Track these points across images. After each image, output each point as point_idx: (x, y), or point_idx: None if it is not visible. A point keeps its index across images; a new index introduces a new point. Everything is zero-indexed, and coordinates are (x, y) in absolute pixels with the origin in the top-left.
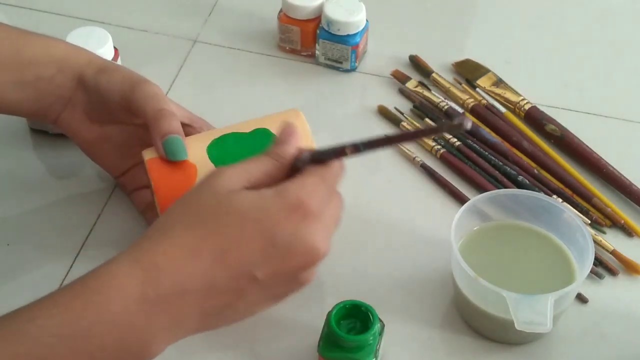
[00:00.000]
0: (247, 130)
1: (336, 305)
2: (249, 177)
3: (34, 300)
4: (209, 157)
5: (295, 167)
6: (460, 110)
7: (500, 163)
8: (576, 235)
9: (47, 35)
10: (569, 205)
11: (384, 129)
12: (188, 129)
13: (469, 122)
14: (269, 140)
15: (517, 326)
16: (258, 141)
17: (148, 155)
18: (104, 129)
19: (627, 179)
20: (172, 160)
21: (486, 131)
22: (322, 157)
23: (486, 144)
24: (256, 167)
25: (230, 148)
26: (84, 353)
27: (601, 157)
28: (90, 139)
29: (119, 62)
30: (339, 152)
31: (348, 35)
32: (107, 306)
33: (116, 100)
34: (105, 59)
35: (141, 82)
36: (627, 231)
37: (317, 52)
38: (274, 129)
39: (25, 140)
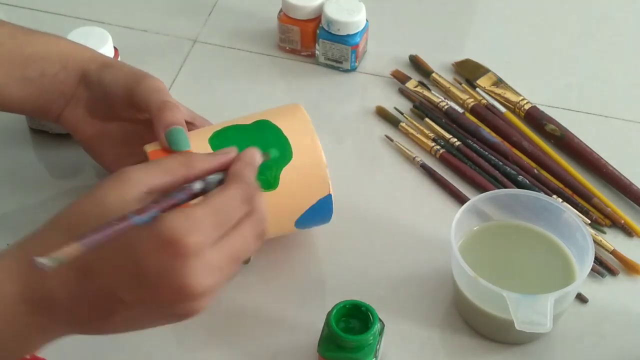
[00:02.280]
0: (249, 122)
1: (336, 305)
2: (145, 181)
3: None
4: (212, 148)
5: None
6: (460, 110)
7: (500, 163)
8: (576, 235)
9: (50, 33)
10: (569, 205)
11: (383, 129)
12: (190, 126)
13: None
14: (270, 130)
15: (517, 326)
16: (259, 132)
17: (150, 148)
18: (105, 125)
19: (627, 179)
20: (175, 150)
21: (486, 131)
22: (218, 184)
23: (486, 144)
24: (156, 165)
25: (231, 139)
26: None
27: (601, 157)
28: (91, 136)
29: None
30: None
31: (348, 35)
32: None
33: (119, 94)
34: (108, 56)
35: (145, 77)
36: (627, 231)
37: (317, 52)
38: (275, 122)
39: (25, 140)
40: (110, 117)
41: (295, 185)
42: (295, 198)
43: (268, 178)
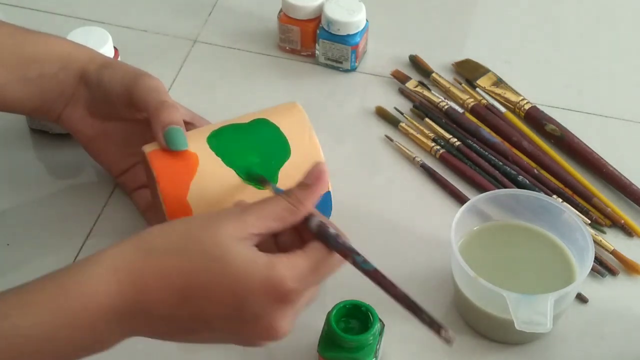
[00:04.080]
0: (246, 121)
1: (336, 305)
2: (258, 224)
3: (9, 290)
4: (210, 147)
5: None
6: (460, 110)
7: (500, 163)
8: (576, 235)
9: (49, 33)
10: (569, 205)
11: (383, 129)
12: (189, 126)
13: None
14: (268, 129)
15: (517, 326)
16: (257, 131)
17: (148, 149)
18: (105, 125)
19: (627, 179)
20: (173, 149)
21: (486, 131)
22: (326, 240)
23: (486, 144)
24: (269, 213)
25: (230, 138)
26: (47, 353)
27: (601, 157)
28: (91, 136)
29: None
30: (342, 252)
31: (348, 35)
32: (77, 314)
33: (118, 94)
34: (107, 56)
35: (143, 76)
36: (627, 231)
37: (317, 52)
38: (272, 120)
39: (25, 140)
40: (110, 116)
41: (294, 183)
42: None
43: (267, 176)
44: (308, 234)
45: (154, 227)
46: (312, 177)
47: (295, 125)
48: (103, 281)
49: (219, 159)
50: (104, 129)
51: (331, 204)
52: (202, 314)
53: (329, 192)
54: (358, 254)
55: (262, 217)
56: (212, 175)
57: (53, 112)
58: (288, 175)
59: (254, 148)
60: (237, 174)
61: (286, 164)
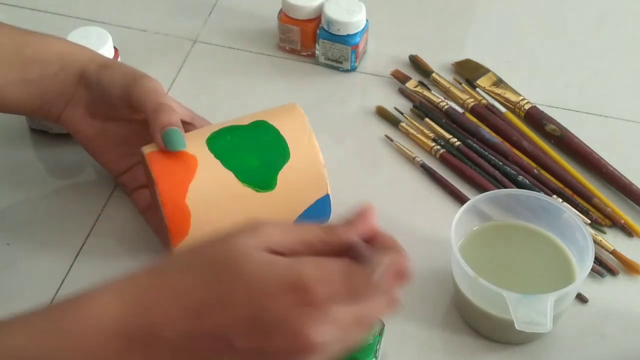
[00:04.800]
0: (246, 123)
1: None
2: (283, 241)
3: (18, 314)
4: (209, 149)
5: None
6: (460, 110)
7: (500, 163)
8: (576, 235)
9: (48, 34)
10: (569, 205)
11: (383, 129)
12: (189, 127)
13: None
14: (267, 131)
15: (517, 326)
16: (256, 133)
17: (147, 150)
18: (105, 125)
19: (627, 179)
20: (171, 150)
21: (486, 131)
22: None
23: (486, 144)
24: (297, 233)
25: (229, 140)
26: None
27: (601, 157)
28: (91, 136)
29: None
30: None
31: (348, 35)
32: (82, 338)
33: (117, 95)
34: (107, 56)
35: (142, 77)
36: (627, 231)
37: (317, 52)
38: (272, 122)
39: (25, 140)
40: (109, 117)
41: (293, 186)
42: (293, 198)
43: (266, 179)
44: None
45: (169, 255)
46: (356, 217)
47: (295, 128)
48: (108, 305)
49: (218, 161)
50: (104, 129)
51: (330, 207)
52: (220, 328)
53: (327, 195)
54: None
55: (283, 231)
56: (211, 178)
57: (53, 112)
58: (287, 178)
59: (253, 150)
60: (236, 176)
61: (285, 166)
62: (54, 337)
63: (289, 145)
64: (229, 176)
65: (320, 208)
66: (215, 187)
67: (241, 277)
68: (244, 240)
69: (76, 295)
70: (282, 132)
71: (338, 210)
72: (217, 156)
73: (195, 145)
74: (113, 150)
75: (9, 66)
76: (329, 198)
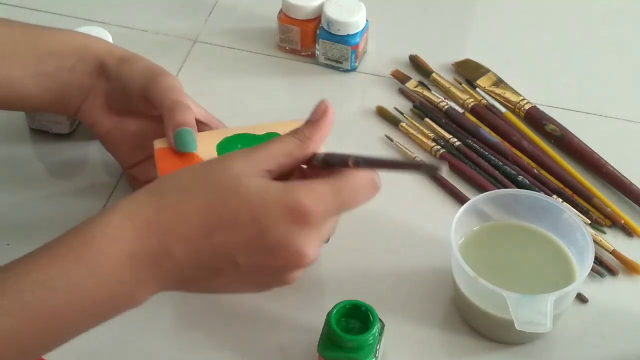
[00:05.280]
0: (260, 133)
1: (336, 305)
2: (268, 161)
3: (41, 246)
4: (218, 154)
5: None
6: (460, 110)
7: (500, 163)
8: (576, 235)
9: (62, 28)
10: (569, 205)
11: (383, 129)
12: (204, 127)
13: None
14: None
15: (517, 326)
16: None
17: (159, 144)
18: (122, 119)
19: (627, 179)
20: (181, 150)
21: (486, 131)
22: (331, 161)
23: (486, 144)
24: (278, 149)
25: (240, 148)
26: (76, 305)
27: (601, 157)
28: (109, 129)
29: None
30: (342, 161)
31: (348, 35)
32: (98, 261)
33: (135, 89)
34: (124, 48)
35: (161, 74)
36: (627, 231)
37: (317, 52)
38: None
39: (25, 140)
40: (127, 110)
41: None
42: None
43: None
44: (317, 175)
45: (162, 176)
46: (318, 114)
47: None
48: (119, 227)
49: None
50: (121, 122)
51: None
52: (225, 247)
53: None
54: (356, 158)
55: (271, 154)
56: None
57: (72, 105)
58: None
59: None
60: None
61: None
62: (77, 267)
63: None
64: None
65: None
66: None
67: (244, 201)
68: (240, 166)
69: (86, 223)
70: None
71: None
72: None
73: (205, 148)
74: (127, 143)
75: (24, 61)
76: None
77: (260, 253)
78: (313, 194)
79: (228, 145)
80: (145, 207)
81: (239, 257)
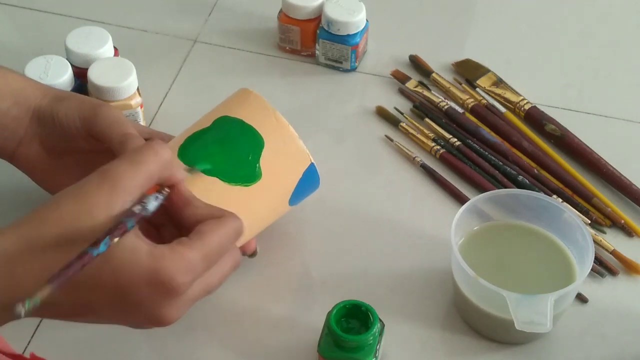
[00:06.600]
0: (208, 124)
1: (336, 305)
2: (135, 190)
3: None
4: (183, 163)
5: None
6: (460, 110)
7: (500, 163)
8: (576, 235)
9: (3, 67)
10: (569, 205)
11: (383, 129)
12: None
13: None
14: (232, 125)
15: (517, 326)
16: (222, 129)
17: None
18: (63, 160)
19: (627, 179)
20: None
21: (486, 131)
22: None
23: (486, 144)
24: (143, 175)
25: (199, 146)
26: None
27: (601, 157)
28: (48, 172)
29: None
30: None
31: (348, 35)
32: None
33: (77, 127)
34: (61, 89)
35: (102, 107)
36: (627, 231)
37: (317, 52)
38: (233, 114)
39: None
40: (66, 150)
41: (278, 168)
42: (281, 180)
43: (250, 172)
44: (188, 226)
45: (46, 209)
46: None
47: (258, 111)
48: None
49: (199, 172)
50: (62, 163)
51: (318, 175)
52: (84, 301)
53: (312, 164)
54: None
55: (132, 177)
56: (198, 191)
57: (5, 150)
58: (269, 163)
59: (227, 149)
60: (221, 180)
61: (263, 153)
62: None
63: (259, 131)
64: (214, 182)
65: (309, 178)
66: (205, 197)
67: (108, 262)
68: (104, 208)
69: None
70: (247, 121)
71: (338, 210)
72: (195, 169)
73: None
74: (69, 181)
75: None
76: (315, 166)
77: (120, 311)
78: (183, 262)
79: (187, 151)
80: (11, 257)
81: (100, 312)
